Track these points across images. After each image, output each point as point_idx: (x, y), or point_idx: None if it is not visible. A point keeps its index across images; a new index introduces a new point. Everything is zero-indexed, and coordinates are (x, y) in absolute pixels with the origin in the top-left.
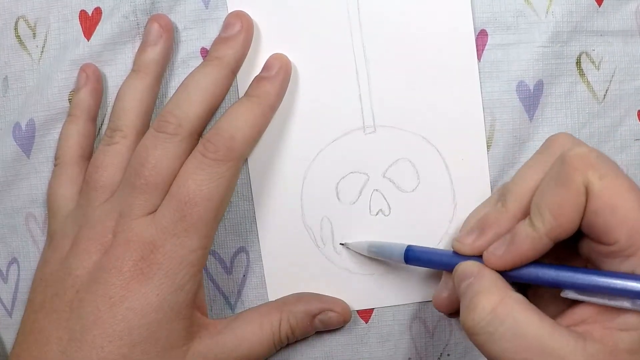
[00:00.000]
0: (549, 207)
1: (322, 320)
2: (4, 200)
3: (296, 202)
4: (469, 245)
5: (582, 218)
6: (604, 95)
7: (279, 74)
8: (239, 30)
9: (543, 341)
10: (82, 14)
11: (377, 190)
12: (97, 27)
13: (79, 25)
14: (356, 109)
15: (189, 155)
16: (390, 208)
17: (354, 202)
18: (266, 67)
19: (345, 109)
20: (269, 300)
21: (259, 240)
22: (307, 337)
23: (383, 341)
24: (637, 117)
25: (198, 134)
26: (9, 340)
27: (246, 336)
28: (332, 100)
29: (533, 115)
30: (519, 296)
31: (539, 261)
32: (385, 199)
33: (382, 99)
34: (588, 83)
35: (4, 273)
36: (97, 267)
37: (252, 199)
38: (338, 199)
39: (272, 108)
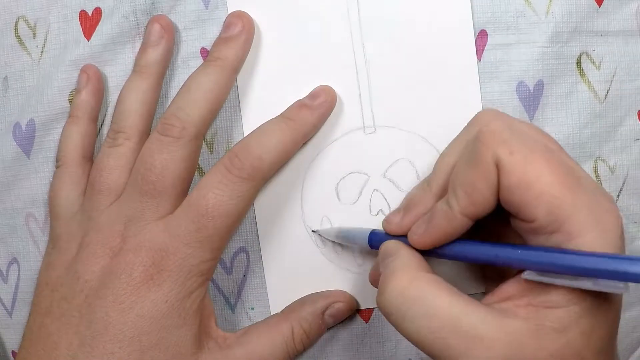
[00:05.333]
0: (462, 185)
1: (331, 315)
2: (4, 200)
3: (296, 202)
4: (395, 224)
5: (499, 196)
6: (605, 95)
7: (322, 105)
8: (240, 31)
9: (456, 320)
10: (82, 14)
11: (377, 190)
12: (97, 27)
13: (79, 25)
14: (356, 109)
15: (194, 157)
16: (390, 208)
17: (354, 202)
18: (312, 95)
19: (345, 109)
20: (269, 301)
21: (259, 241)
22: None
23: (383, 341)
24: (637, 117)
25: (202, 135)
26: (9, 341)
27: (257, 349)
28: None
29: (533, 116)
30: (431, 276)
31: (472, 239)
32: (385, 199)
33: (382, 99)
34: (589, 83)
35: (4, 273)
36: (106, 271)
37: (253, 202)
38: (338, 199)
39: (305, 137)
